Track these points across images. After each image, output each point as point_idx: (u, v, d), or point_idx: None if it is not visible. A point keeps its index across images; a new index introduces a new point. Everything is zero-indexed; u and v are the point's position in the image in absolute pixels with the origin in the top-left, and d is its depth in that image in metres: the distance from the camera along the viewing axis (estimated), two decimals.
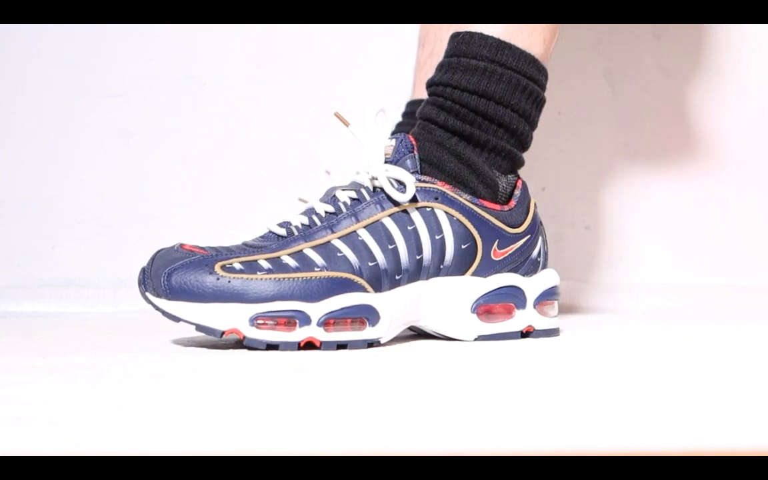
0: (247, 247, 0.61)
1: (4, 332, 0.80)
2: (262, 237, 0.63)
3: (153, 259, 0.61)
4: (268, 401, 0.40)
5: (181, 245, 0.61)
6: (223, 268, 0.59)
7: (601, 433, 0.33)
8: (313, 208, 0.63)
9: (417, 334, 0.68)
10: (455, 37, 0.69)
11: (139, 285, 0.61)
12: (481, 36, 0.67)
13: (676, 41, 1.26)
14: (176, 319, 0.59)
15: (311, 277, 0.59)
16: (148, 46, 1.26)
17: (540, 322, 0.66)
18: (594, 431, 0.33)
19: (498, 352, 0.58)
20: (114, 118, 1.25)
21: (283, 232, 0.62)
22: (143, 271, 0.61)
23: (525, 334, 0.66)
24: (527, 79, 0.67)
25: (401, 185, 0.62)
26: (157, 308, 0.59)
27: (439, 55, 0.93)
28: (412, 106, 0.95)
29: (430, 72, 0.93)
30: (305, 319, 0.59)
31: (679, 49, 1.27)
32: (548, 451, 0.30)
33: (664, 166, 1.27)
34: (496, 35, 0.66)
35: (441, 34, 0.93)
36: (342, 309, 0.59)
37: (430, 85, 0.69)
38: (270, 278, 0.59)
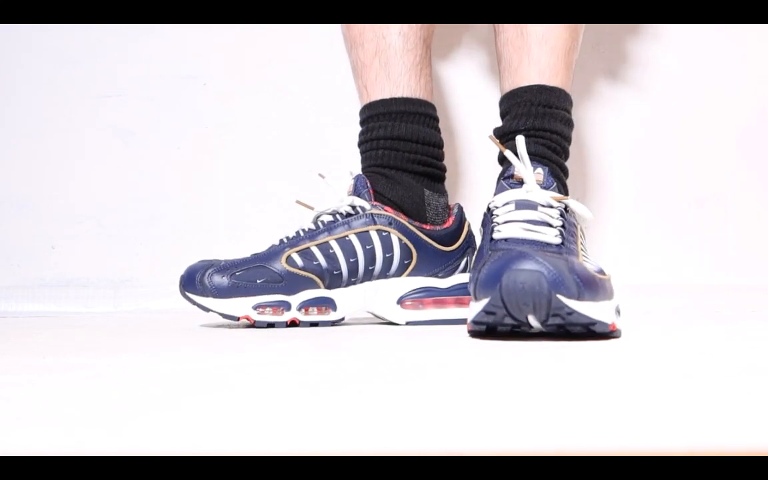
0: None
1: (4, 332, 0.80)
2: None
3: None
4: (268, 401, 0.40)
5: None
6: None
7: (601, 432, 0.33)
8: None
9: (416, 334, 0.68)
10: (528, 89, 0.85)
11: None
12: (553, 89, 0.85)
13: (676, 41, 1.26)
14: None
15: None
16: (148, 46, 1.26)
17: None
18: (594, 431, 0.33)
19: (497, 352, 0.58)
20: (114, 118, 1.25)
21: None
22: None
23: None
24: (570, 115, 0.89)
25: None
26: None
27: (385, 52, 0.93)
28: (369, 109, 0.93)
29: (380, 71, 0.93)
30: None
31: (679, 49, 1.27)
32: (548, 451, 0.30)
33: (664, 165, 1.27)
34: (558, 85, 0.86)
35: (381, 31, 0.93)
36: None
37: (538, 129, 0.84)
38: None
